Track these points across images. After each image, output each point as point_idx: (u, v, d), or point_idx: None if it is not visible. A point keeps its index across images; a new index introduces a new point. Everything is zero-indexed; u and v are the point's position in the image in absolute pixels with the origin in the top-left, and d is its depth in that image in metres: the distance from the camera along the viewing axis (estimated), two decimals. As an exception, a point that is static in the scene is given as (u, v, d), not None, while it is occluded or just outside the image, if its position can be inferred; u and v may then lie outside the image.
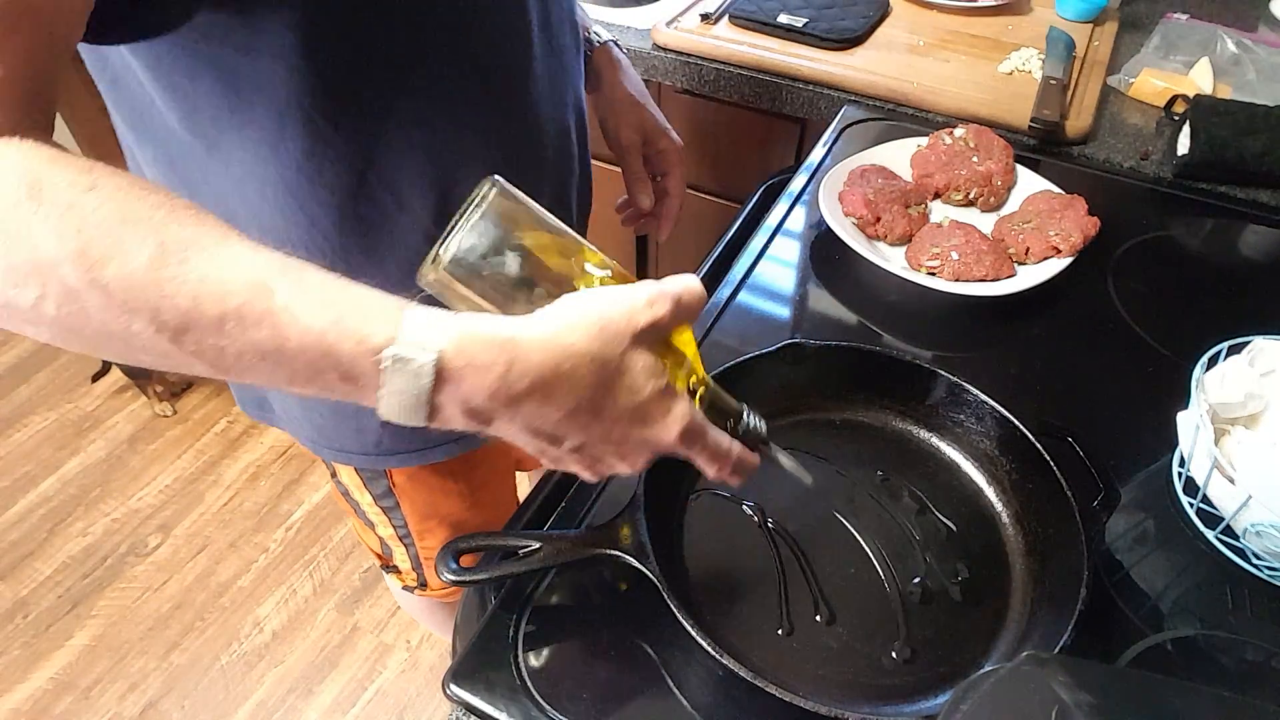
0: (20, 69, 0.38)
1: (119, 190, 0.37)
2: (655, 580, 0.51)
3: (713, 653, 0.47)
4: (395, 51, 0.54)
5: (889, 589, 0.56)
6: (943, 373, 0.62)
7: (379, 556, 0.96)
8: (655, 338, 0.45)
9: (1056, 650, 0.47)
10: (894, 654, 0.53)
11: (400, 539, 0.90)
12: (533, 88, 0.63)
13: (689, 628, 0.48)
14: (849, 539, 0.59)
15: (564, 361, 0.41)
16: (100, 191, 0.37)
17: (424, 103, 0.57)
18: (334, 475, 0.86)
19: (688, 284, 0.46)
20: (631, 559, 0.52)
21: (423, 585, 0.97)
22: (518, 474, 1.00)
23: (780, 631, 0.54)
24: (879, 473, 0.63)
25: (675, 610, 0.49)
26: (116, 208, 0.37)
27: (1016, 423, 0.58)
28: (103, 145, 2.10)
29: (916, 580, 0.57)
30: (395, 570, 0.97)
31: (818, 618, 0.55)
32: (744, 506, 0.61)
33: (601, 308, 0.43)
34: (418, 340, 0.39)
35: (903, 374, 0.64)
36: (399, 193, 0.59)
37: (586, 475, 0.48)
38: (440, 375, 0.39)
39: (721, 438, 0.48)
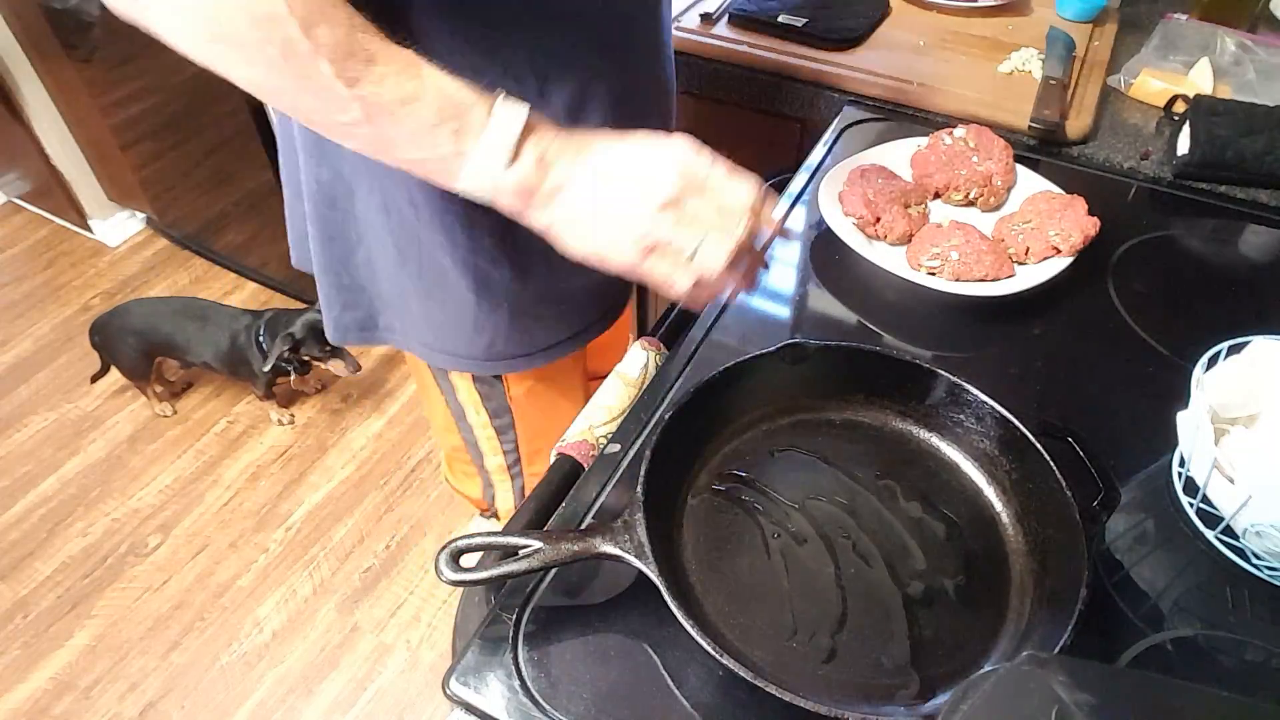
0: None
1: None
2: (655, 580, 0.51)
3: (713, 652, 0.47)
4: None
5: (889, 589, 0.56)
6: (943, 373, 0.62)
7: (479, 504, 1.00)
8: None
9: (1056, 650, 0.47)
10: (894, 654, 0.53)
11: (509, 469, 0.94)
12: (659, 27, 0.74)
13: (688, 627, 0.48)
14: (849, 539, 0.59)
15: (681, 160, 0.55)
16: None
17: (579, 31, 0.65)
18: (451, 395, 0.90)
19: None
20: (632, 558, 0.52)
21: None
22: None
23: (779, 631, 0.54)
24: (878, 473, 0.63)
25: (675, 610, 0.49)
26: None
27: (1016, 423, 0.58)
28: (103, 145, 2.10)
29: (916, 580, 0.57)
30: (495, 517, 1.02)
31: (817, 618, 0.55)
32: (744, 505, 0.61)
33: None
34: (512, 105, 0.52)
35: (903, 374, 0.64)
36: (541, 83, 0.66)
37: (648, 280, 0.57)
38: (528, 126, 0.52)
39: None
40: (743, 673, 0.47)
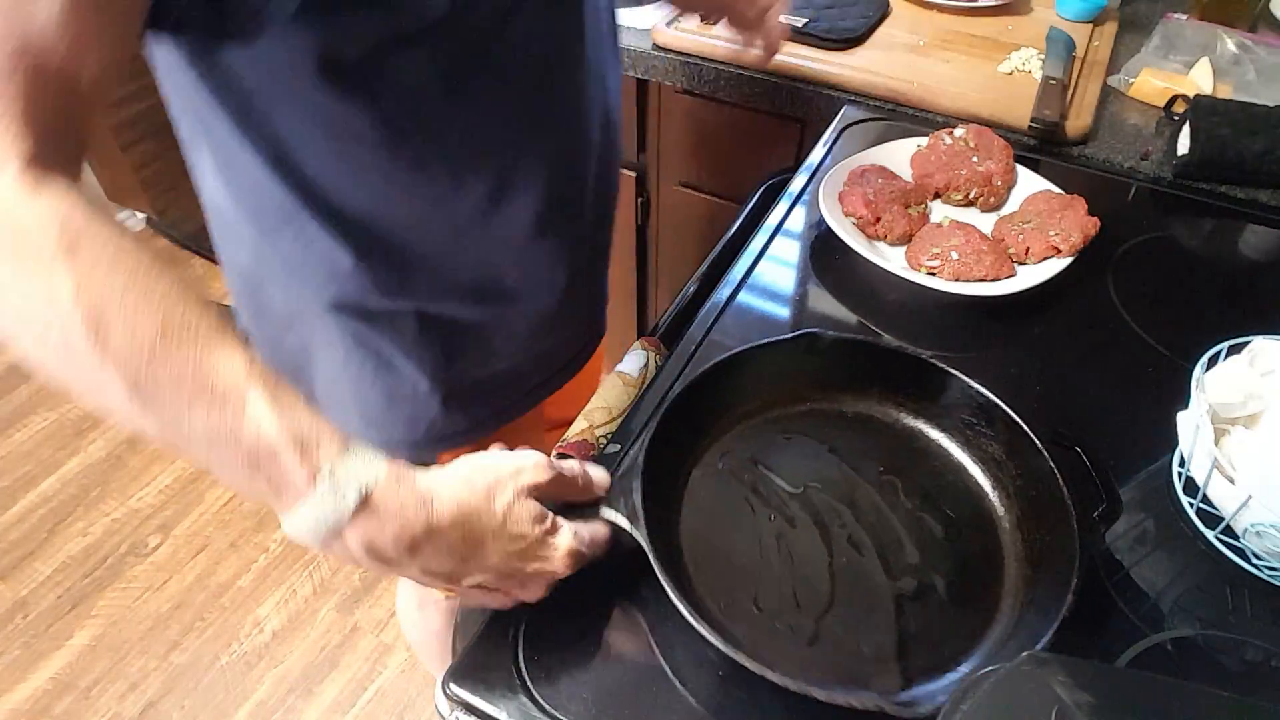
0: (38, 100, 0.40)
1: (140, 261, 0.41)
2: (643, 543, 0.51)
3: (689, 618, 0.48)
4: (465, 78, 0.58)
5: (879, 581, 0.56)
6: (959, 374, 0.62)
7: None
8: (541, 494, 0.51)
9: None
10: (877, 644, 0.53)
11: None
12: (583, 72, 0.66)
13: (670, 590, 0.49)
14: (844, 529, 0.59)
15: (466, 518, 0.47)
16: (123, 261, 0.40)
17: (488, 109, 0.60)
18: None
19: (592, 470, 0.54)
20: (623, 521, 0.53)
21: None
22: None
23: (764, 610, 0.54)
24: (882, 467, 0.63)
25: (659, 573, 0.49)
26: (133, 279, 0.40)
27: (1027, 429, 0.58)
28: (103, 145, 2.10)
29: (908, 575, 0.57)
30: None
31: (804, 602, 0.55)
32: (746, 485, 0.61)
33: (489, 464, 0.50)
34: (357, 469, 0.44)
35: (917, 372, 0.64)
36: (457, 174, 0.62)
37: (495, 605, 0.53)
38: (363, 505, 0.44)
39: (599, 534, 0.54)
40: (716, 641, 0.47)
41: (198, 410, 0.41)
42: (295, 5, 0.48)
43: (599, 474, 0.55)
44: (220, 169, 0.62)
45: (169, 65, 0.56)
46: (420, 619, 1.14)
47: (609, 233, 0.82)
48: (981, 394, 0.61)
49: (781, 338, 0.64)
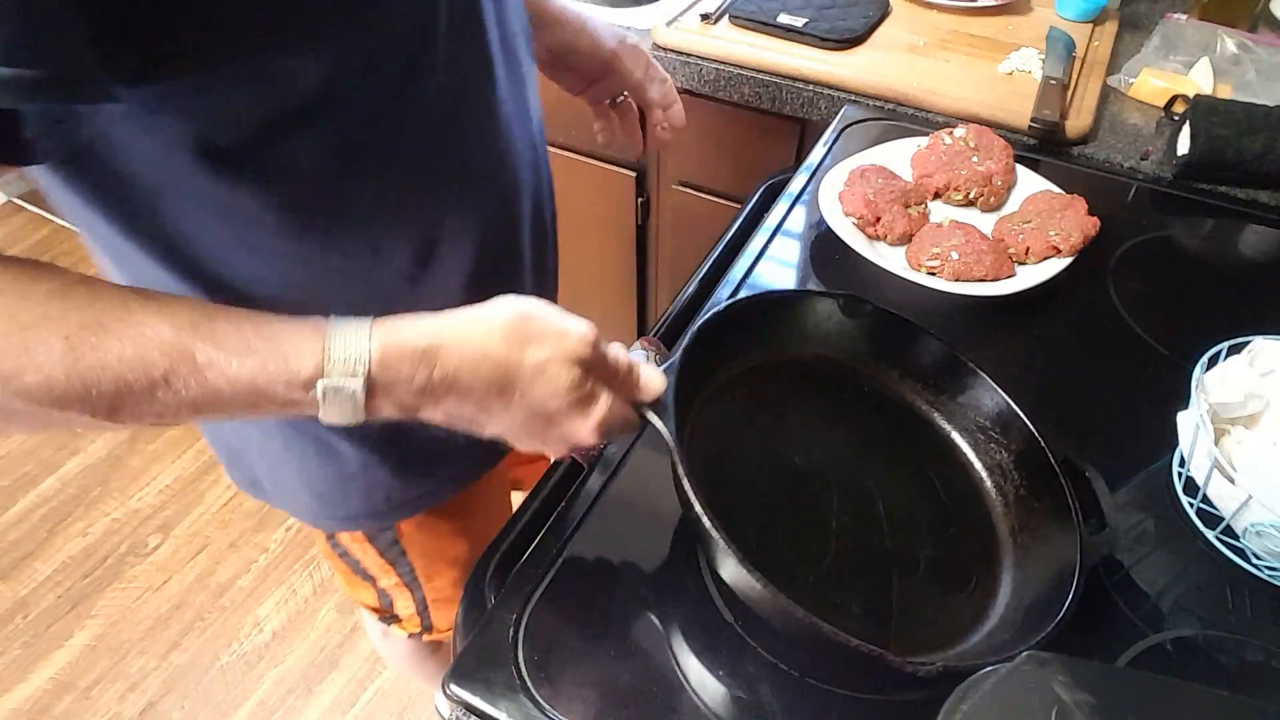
0: None
1: (11, 289, 0.38)
2: (667, 438, 0.50)
3: (703, 519, 0.47)
4: (369, 147, 0.53)
5: (875, 552, 0.57)
6: (984, 374, 0.62)
7: (376, 610, 0.92)
8: (589, 367, 0.48)
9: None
10: (870, 608, 0.53)
11: (406, 584, 0.87)
12: (499, 112, 0.61)
13: (686, 485, 0.48)
14: (846, 494, 0.59)
15: (481, 364, 0.46)
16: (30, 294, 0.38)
17: (400, 175, 0.56)
18: (329, 538, 0.82)
19: (649, 371, 0.52)
20: (666, 434, 0.51)
21: (428, 629, 0.93)
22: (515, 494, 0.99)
23: (765, 559, 0.54)
24: (888, 445, 0.63)
25: (678, 466, 0.49)
26: (12, 312, 0.38)
27: (1043, 444, 0.58)
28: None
29: (904, 551, 0.57)
30: (395, 620, 0.93)
31: (803, 555, 0.56)
32: (757, 426, 0.62)
33: (535, 313, 0.47)
34: (345, 365, 0.43)
35: (943, 363, 0.64)
36: (374, 243, 0.57)
37: (519, 448, 0.52)
38: (370, 390, 0.43)
39: (631, 420, 0.52)
40: (721, 537, 0.47)
41: (161, 395, 0.40)
42: (153, 99, 0.43)
43: (654, 380, 0.52)
44: (116, 266, 0.57)
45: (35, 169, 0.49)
46: (388, 646, 1.15)
47: (553, 270, 0.79)
48: (1004, 401, 0.61)
49: (826, 291, 0.64)
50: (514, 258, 0.69)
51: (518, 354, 0.46)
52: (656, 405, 0.52)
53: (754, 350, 0.64)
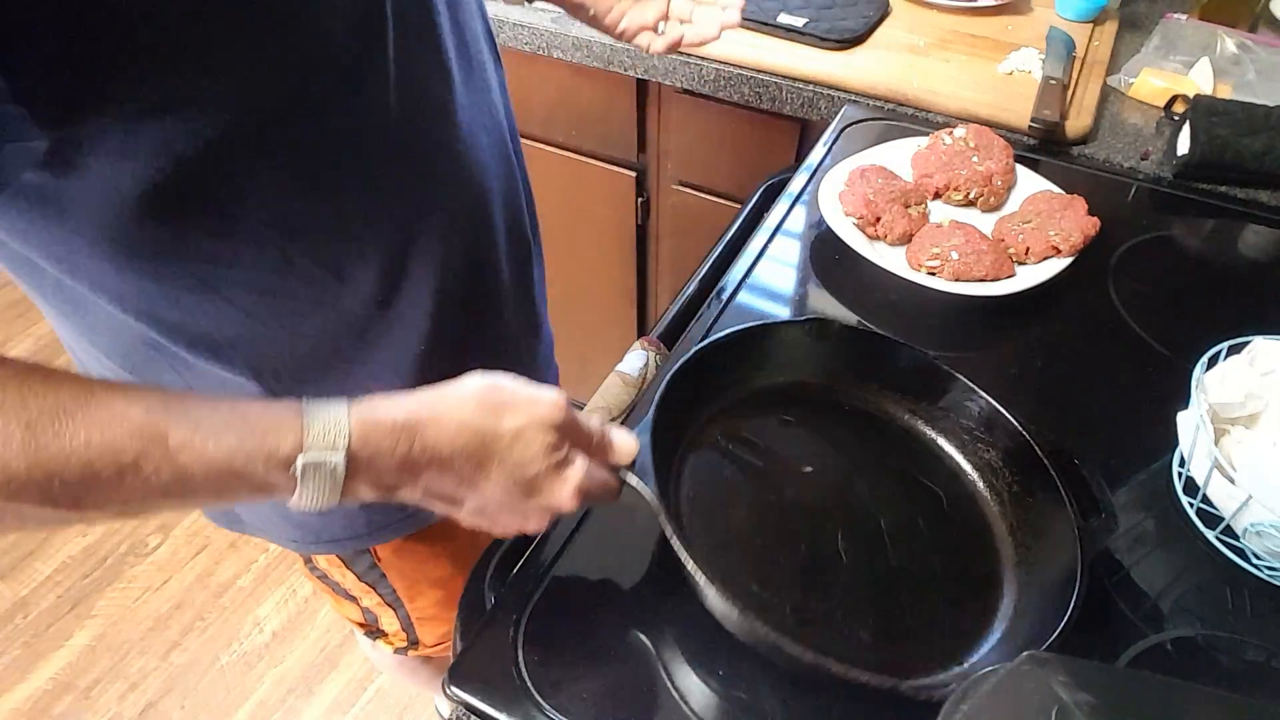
0: None
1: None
2: (650, 499, 0.51)
3: (714, 592, 0.47)
4: (323, 164, 0.51)
5: (874, 574, 0.56)
6: (961, 376, 0.62)
7: (361, 625, 0.91)
8: (563, 433, 0.49)
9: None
10: (876, 633, 0.53)
11: (388, 604, 0.87)
12: (460, 119, 0.59)
13: (676, 544, 0.48)
14: (840, 520, 0.59)
15: (459, 433, 0.45)
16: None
17: (359, 191, 0.54)
18: (307, 562, 0.82)
19: (620, 435, 0.52)
20: (646, 492, 0.51)
21: (414, 644, 0.93)
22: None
23: (765, 594, 0.55)
24: (876, 463, 0.63)
25: (665, 526, 0.49)
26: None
27: (1028, 437, 0.58)
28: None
29: (902, 570, 0.57)
30: (381, 635, 0.92)
31: (802, 587, 0.55)
32: (744, 465, 0.61)
33: (505, 384, 0.48)
34: (325, 439, 0.42)
35: (920, 371, 0.64)
36: (337, 268, 0.56)
37: (496, 532, 0.52)
38: (351, 467, 0.42)
39: (611, 483, 0.52)
40: (739, 614, 0.47)
41: (130, 482, 0.38)
42: (84, 139, 0.41)
43: (627, 443, 0.52)
44: (63, 317, 0.55)
45: None
46: (376, 654, 1.16)
47: (539, 280, 0.78)
48: (985, 400, 0.61)
49: (791, 319, 0.64)
50: (492, 271, 0.68)
51: (494, 422, 0.46)
52: (634, 467, 0.53)
53: (729, 388, 0.64)
